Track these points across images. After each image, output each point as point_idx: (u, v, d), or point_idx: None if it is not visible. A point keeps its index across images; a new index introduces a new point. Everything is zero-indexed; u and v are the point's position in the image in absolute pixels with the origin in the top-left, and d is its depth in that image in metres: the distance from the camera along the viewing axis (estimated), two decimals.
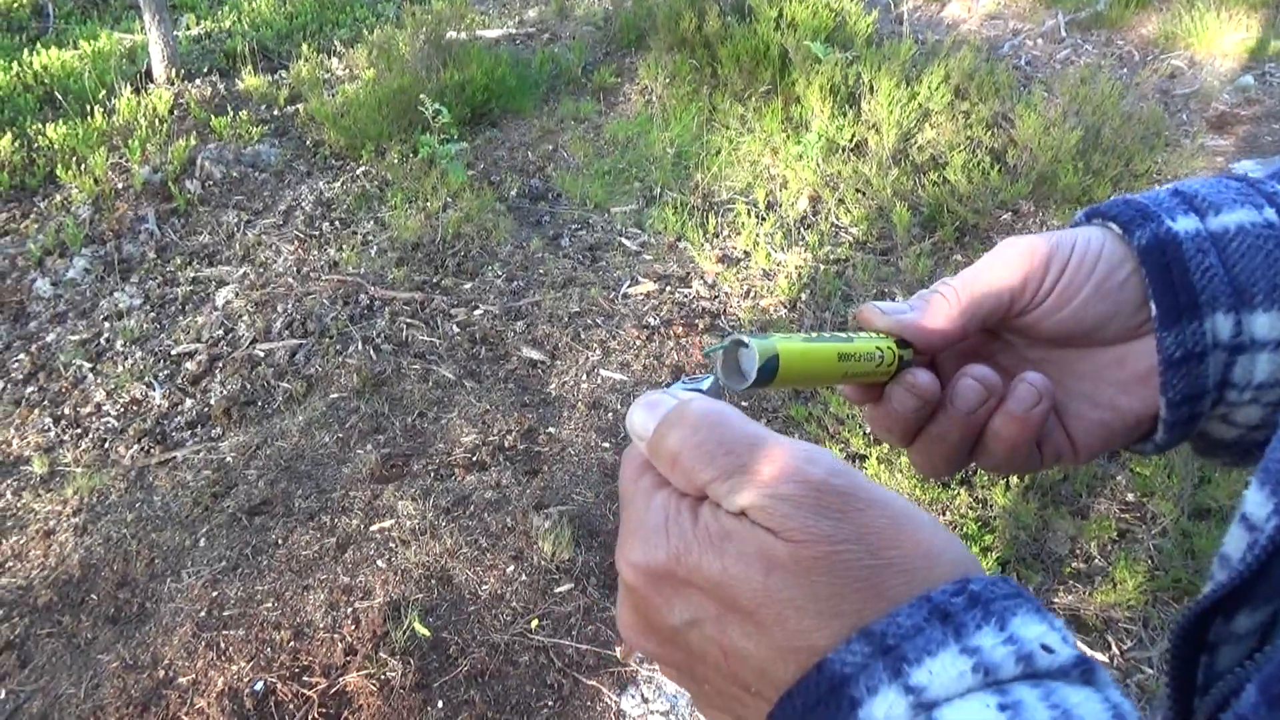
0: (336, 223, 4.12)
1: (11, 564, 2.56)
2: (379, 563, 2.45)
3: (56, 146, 4.40)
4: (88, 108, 4.75)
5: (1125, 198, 0.52)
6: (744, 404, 3.02)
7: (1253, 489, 0.44)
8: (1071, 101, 4.28)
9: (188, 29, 6.05)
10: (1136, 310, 0.51)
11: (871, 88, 4.50)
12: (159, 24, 5.11)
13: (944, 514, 2.48)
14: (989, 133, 4.26)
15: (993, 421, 0.51)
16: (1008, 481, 2.49)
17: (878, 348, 0.51)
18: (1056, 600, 2.31)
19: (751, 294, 3.55)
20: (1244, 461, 0.55)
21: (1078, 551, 2.42)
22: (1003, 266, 0.52)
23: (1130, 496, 2.53)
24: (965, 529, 2.42)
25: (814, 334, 0.51)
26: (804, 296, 3.49)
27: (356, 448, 2.88)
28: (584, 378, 3.14)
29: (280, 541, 2.54)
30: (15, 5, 6.41)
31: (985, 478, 2.51)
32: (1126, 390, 0.52)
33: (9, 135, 4.38)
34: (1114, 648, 2.21)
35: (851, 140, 4.35)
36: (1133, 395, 0.53)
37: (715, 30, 5.14)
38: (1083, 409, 0.54)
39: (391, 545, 2.50)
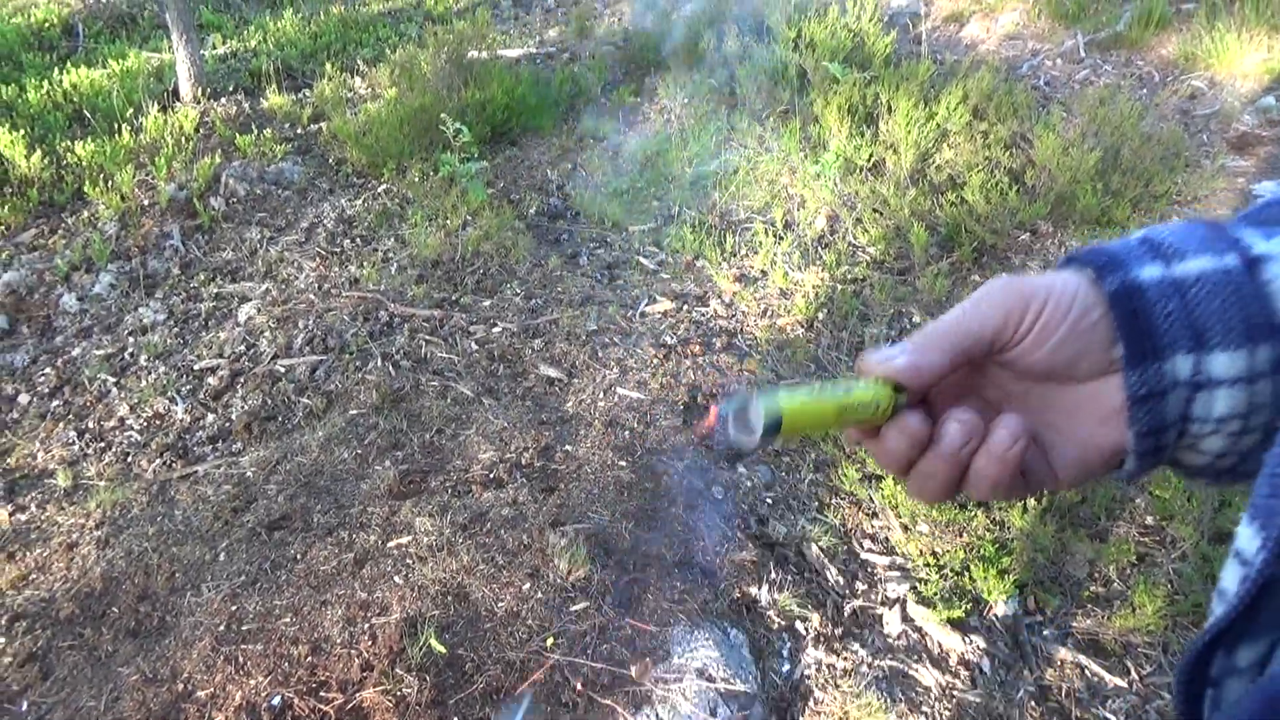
0: (358, 240, 4.16)
1: (35, 576, 2.59)
2: (396, 579, 2.46)
3: (84, 164, 4.48)
4: (115, 125, 4.83)
5: (1099, 246, 0.57)
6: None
7: (1243, 524, 0.47)
8: (1090, 122, 4.28)
9: (214, 48, 6.15)
10: (1107, 350, 0.55)
11: (889, 108, 4.51)
12: (186, 44, 5.20)
13: (961, 535, 2.47)
14: (1007, 153, 4.26)
15: (976, 459, 0.56)
16: (1025, 504, 2.48)
17: (875, 398, 0.56)
18: (1075, 624, 2.30)
19: (769, 313, 3.56)
20: (1222, 483, 0.59)
21: (1096, 575, 2.40)
22: (986, 307, 0.56)
23: (1149, 520, 2.52)
24: (983, 550, 2.41)
25: (818, 385, 0.56)
26: (821, 316, 3.50)
27: (375, 464, 2.91)
28: (601, 396, 3.15)
29: (299, 557, 2.56)
30: (46, 25, 6.54)
31: (1005, 500, 2.49)
32: (1103, 422, 0.57)
33: (39, 152, 4.46)
34: (1133, 673, 2.20)
35: (869, 160, 4.37)
36: (1107, 427, 0.57)
37: (734, 50, 5.17)
38: (1062, 439, 0.58)
39: (409, 561, 2.51)
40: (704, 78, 5.23)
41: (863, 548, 2.54)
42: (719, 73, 5.29)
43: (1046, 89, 5.30)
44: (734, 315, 3.58)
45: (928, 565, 2.45)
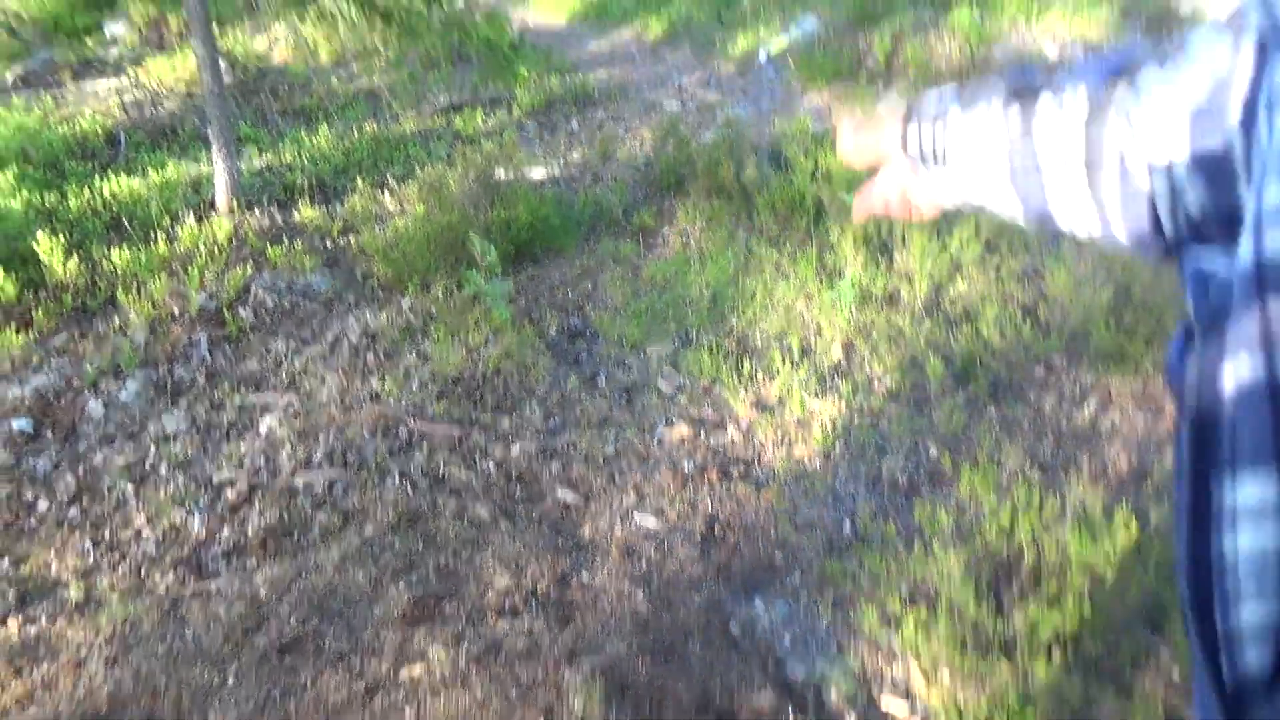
0: (381, 354, 4.23)
1: (40, 694, 2.55)
2: (407, 711, 2.42)
3: (119, 271, 4.60)
4: (151, 234, 4.98)
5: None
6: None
7: None
8: (1101, 259, 4.37)
9: (251, 161, 6.38)
10: None
11: (904, 239, 4.63)
12: (226, 157, 5.40)
13: (984, 685, 2.42)
14: (1020, 287, 4.35)
15: None
16: (1049, 653, 2.44)
17: None
18: None
19: (786, 441, 3.58)
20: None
21: None
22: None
23: (1175, 674, 2.47)
24: (1006, 701, 2.36)
25: None
26: (838, 447, 3.51)
27: (389, 586, 2.89)
28: (618, 523, 3.15)
29: (309, 683, 2.53)
30: (91, 134, 6.81)
31: (1028, 648, 2.46)
32: None
33: (75, 258, 4.59)
34: None
35: (884, 290, 4.45)
36: None
37: (752, 179, 5.34)
38: None
39: (420, 693, 2.47)
40: (722, 204, 5.39)
41: (883, 695, 2.49)
42: (737, 199, 5.45)
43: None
44: (751, 443, 3.60)
45: (949, 718, 2.39)
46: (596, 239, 5.40)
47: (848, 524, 3.14)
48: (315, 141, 6.66)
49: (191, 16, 5.36)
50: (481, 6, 10.13)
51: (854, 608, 2.75)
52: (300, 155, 6.45)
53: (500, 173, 5.61)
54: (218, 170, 5.51)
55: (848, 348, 4.19)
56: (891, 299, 4.45)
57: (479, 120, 7.54)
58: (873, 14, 8.61)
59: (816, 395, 3.84)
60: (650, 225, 5.49)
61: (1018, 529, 2.80)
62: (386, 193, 5.93)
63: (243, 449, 3.59)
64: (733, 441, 3.59)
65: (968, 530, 2.90)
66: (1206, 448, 0.53)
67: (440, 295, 4.58)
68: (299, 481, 3.39)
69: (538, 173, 6.24)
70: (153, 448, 3.61)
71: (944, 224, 4.84)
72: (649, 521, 3.14)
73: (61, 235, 4.79)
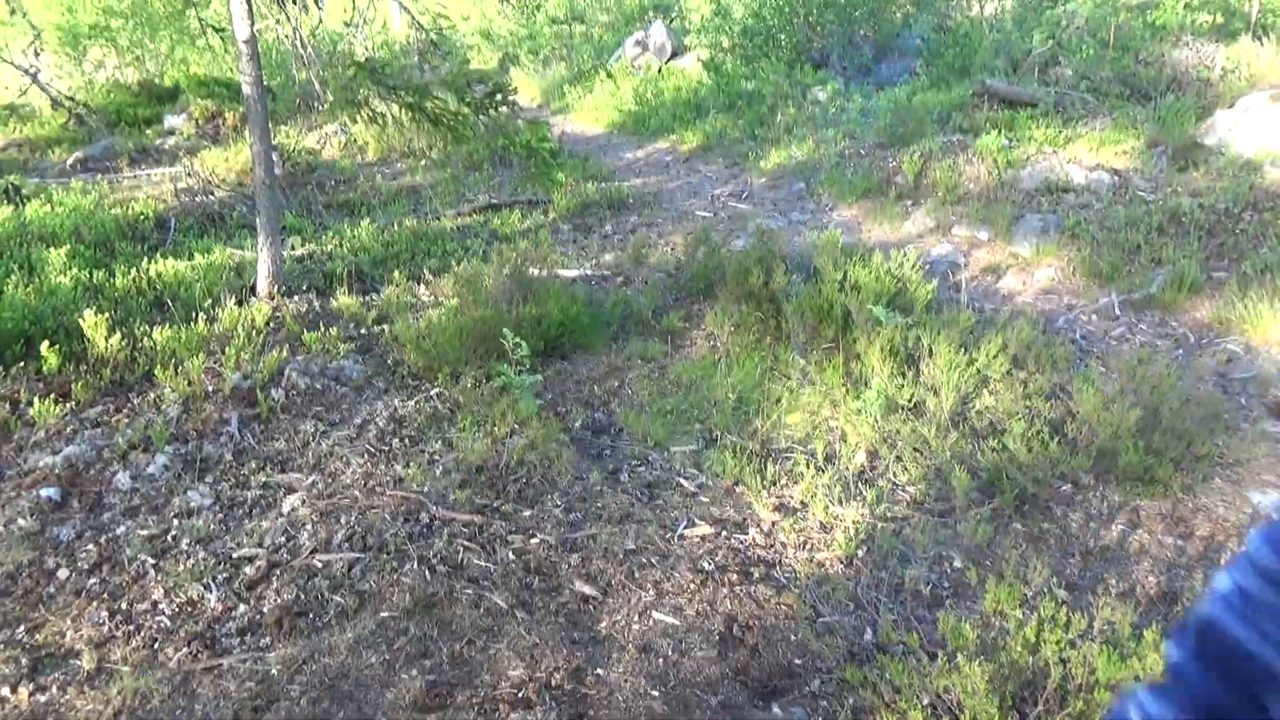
0: (406, 440, 4.27)
1: None
2: None
3: (158, 348, 4.71)
4: (193, 314, 5.11)
5: None
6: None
7: None
8: (1130, 380, 4.37)
9: (293, 249, 6.58)
10: None
11: (930, 351, 4.66)
12: (270, 245, 5.59)
13: None
14: (1047, 404, 4.34)
15: None
16: None
17: None
18: None
19: (808, 546, 3.55)
20: None
21: None
22: None
23: None
24: None
25: None
26: (861, 553, 3.47)
27: (402, 671, 2.85)
28: (636, 618, 3.11)
29: None
30: (142, 218, 7.08)
31: None
32: None
33: (118, 334, 4.71)
34: None
35: (910, 400, 4.47)
36: None
37: (781, 287, 5.44)
38: None
39: None
40: (751, 310, 5.47)
41: None
42: (766, 306, 5.53)
43: (1083, 343, 5.46)
44: (773, 545, 3.56)
45: None
46: (625, 338, 5.49)
47: (869, 631, 3.08)
48: (357, 233, 6.88)
49: (250, 114, 5.63)
50: (524, 113, 10.56)
51: (874, 718, 2.67)
52: (341, 246, 6.66)
53: (534, 271, 5.75)
54: (261, 257, 5.70)
55: (872, 455, 4.18)
56: (917, 409, 4.46)
57: (516, 220, 7.77)
58: (902, 136, 8.88)
59: (840, 501, 3.82)
60: (679, 327, 5.58)
61: (1044, 646, 2.73)
62: (422, 285, 6.08)
63: (264, 527, 3.60)
64: (754, 542, 3.56)
65: (992, 644, 2.84)
66: None
67: (469, 385, 4.64)
68: (318, 561, 3.39)
69: (570, 272, 6.39)
70: (176, 521, 3.63)
71: (971, 339, 4.88)
72: (667, 618, 3.10)
73: (106, 312, 4.94)
